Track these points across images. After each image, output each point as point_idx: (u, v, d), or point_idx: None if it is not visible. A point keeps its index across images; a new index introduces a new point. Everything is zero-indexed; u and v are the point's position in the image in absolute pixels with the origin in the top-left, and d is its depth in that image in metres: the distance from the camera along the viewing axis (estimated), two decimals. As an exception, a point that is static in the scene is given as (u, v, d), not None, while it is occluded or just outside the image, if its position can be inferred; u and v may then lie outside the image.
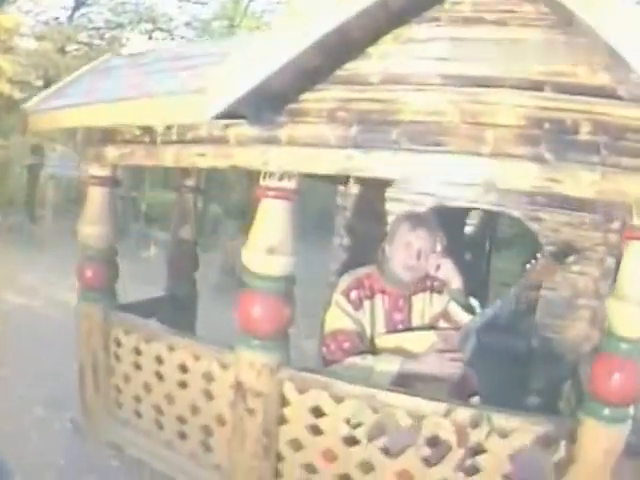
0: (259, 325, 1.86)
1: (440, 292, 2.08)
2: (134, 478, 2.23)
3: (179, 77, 2.01)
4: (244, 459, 1.99)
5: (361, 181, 2.80)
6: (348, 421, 1.83)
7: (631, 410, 1.59)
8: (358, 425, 1.81)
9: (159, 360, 2.25)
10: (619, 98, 1.46)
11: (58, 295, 5.24)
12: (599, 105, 1.46)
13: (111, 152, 2.23)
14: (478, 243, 3.97)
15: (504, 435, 1.67)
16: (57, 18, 11.06)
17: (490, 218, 3.88)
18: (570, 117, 1.48)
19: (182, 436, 2.24)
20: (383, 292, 2.08)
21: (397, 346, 2.02)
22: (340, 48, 1.68)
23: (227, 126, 1.88)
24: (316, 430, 1.90)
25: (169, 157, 2.04)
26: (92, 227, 2.33)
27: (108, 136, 2.23)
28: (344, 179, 2.80)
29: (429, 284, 2.10)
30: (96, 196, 2.33)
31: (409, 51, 1.66)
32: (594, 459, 1.59)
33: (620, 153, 1.44)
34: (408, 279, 2.02)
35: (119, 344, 2.38)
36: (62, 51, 9.29)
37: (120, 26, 10.88)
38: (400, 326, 2.09)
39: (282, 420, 1.96)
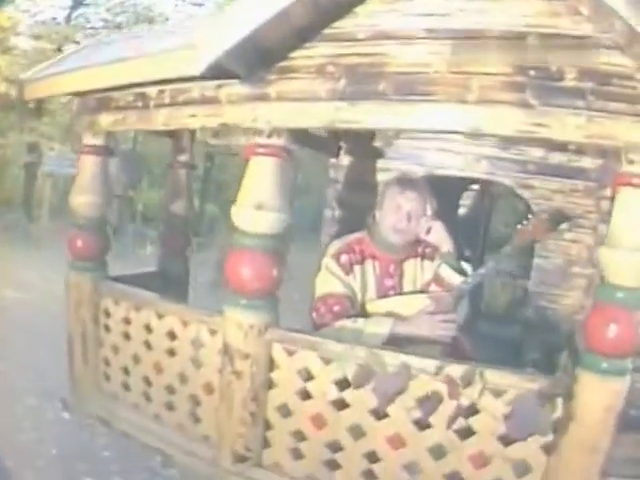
0: (247, 284, 1.83)
1: (432, 259, 2.06)
2: (125, 466, 2.18)
3: (173, 39, 2.01)
4: (231, 427, 1.94)
5: (352, 152, 2.80)
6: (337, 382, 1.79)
7: (629, 364, 1.56)
8: (344, 380, 1.76)
9: (148, 328, 2.21)
10: (604, 47, 1.46)
11: (55, 290, 5.21)
12: (583, 54, 1.47)
13: (104, 119, 2.22)
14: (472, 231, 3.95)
15: (498, 394, 1.63)
16: (55, 18, 11.08)
17: (485, 199, 3.85)
18: (555, 64, 1.48)
19: (170, 407, 2.19)
20: (374, 257, 2.05)
21: (388, 311, 1.99)
22: (328, 7, 1.69)
23: (219, 86, 1.89)
24: (305, 394, 1.86)
25: (160, 120, 2.03)
26: (83, 196, 2.31)
27: (102, 103, 2.24)
28: (336, 150, 2.79)
29: (420, 251, 2.08)
30: (89, 165, 2.32)
31: (395, 9, 1.67)
32: (593, 416, 1.54)
33: (606, 98, 1.44)
34: (398, 243, 2.00)
35: (108, 315, 2.35)
36: (59, 51, 9.30)
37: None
38: (391, 292, 2.06)
39: (270, 385, 1.92)
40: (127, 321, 2.28)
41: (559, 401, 1.59)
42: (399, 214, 1.94)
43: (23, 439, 2.24)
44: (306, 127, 1.75)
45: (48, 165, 8.87)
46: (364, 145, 2.74)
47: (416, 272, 2.10)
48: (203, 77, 1.86)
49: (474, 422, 1.66)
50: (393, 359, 1.67)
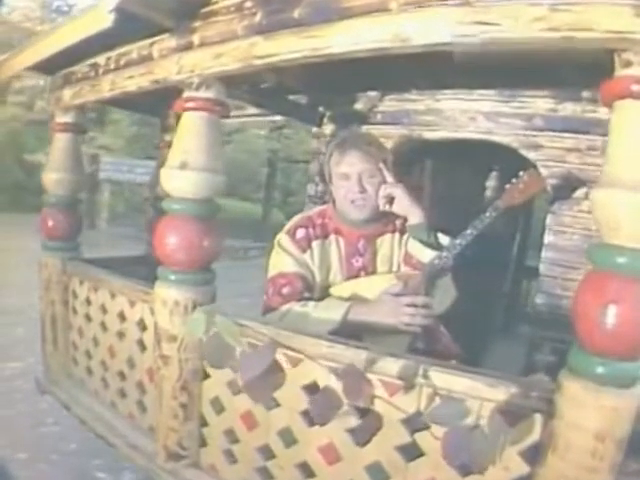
0: (171, 255, 1.61)
1: None
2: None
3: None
4: (164, 419, 1.72)
5: (335, 119, 2.48)
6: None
7: (639, 369, 1.04)
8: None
9: (104, 309, 2.09)
10: None
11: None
12: None
13: (66, 94, 2.20)
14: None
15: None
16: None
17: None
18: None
19: (122, 395, 2.04)
20: (338, 232, 1.74)
21: (354, 294, 1.66)
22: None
23: (152, 43, 1.75)
24: (236, 388, 1.58)
25: (106, 86, 1.94)
26: (54, 173, 2.28)
27: (65, 79, 2.22)
28: (317, 118, 2.50)
29: (399, 224, 1.73)
30: (60, 143, 2.30)
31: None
32: (581, 446, 1.03)
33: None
34: (361, 216, 1.68)
35: (76, 296, 2.28)
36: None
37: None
38: (362, 274, 1.72)
39: (205, 374, 1.67)
40: (89, 302, 2.18)
41: (537, 418, 1.12)
42: (349, 183, 1.63)
43: (44, 433, 2.23)
44: (225, 70, 1.50)
45: (104, 171, 9.18)
46: (347, 110, 2.41)
47: (393, 250, 1.76)
48: (142, 36, 1.75)
49: (422, 440, 1.25)
50: (316, 351, 1.32)
